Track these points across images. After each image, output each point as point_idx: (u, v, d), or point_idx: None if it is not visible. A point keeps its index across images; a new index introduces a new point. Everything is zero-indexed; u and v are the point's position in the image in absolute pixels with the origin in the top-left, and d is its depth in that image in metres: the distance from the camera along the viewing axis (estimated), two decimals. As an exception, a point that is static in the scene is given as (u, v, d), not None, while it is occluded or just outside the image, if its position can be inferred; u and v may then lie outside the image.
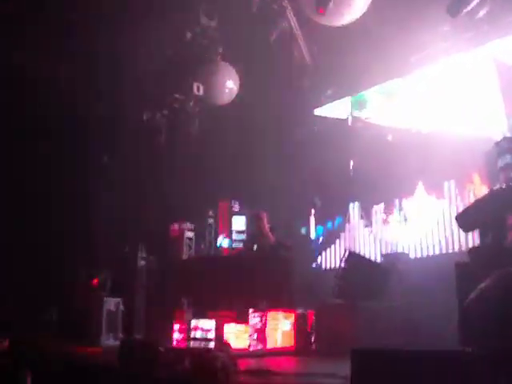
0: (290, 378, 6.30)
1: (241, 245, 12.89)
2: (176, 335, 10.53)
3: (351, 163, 14.09)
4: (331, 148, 13.87)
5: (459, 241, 12.14)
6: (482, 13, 10.60)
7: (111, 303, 12.60)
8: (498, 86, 11.50)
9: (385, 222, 13.54)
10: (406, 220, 13.08)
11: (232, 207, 14.44)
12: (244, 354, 8.92)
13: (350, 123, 14.52)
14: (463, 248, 11.68)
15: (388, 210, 13.49)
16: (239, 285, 10.36)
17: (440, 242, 12.57)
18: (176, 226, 13.79)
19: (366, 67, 12.88)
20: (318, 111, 15.13)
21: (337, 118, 14.86)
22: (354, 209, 14.40)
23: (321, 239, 14.87)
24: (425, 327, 9.79)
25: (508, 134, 10.27)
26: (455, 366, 4.58)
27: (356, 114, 14.52)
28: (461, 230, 10.73)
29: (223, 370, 4.26)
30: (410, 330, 9.99)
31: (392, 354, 4.99)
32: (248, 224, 13.51)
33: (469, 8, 10.42)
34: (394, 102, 13.70)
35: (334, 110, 14.95)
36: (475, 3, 10.38)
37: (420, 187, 12.94)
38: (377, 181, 12.91)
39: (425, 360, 4.74)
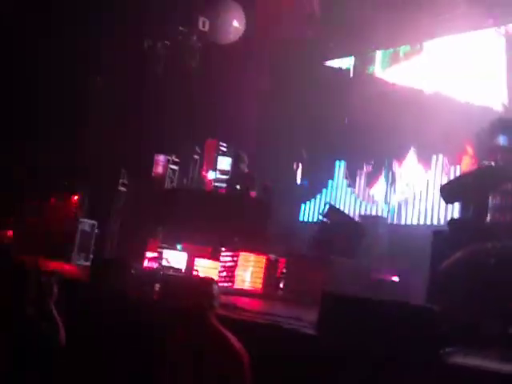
0: (256, 316, 6.37)
1: (223, 185, 12.87)
2: (147, 263, 10.59)
3: (345, 120, 14.06)
4: (328, 100, 13.78)
5: (438, 214, 12.29)
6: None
7: (86, 224, 12.64)
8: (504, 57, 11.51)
9: (371, 178, 13.59)
10: (393, 182, 13.15)
11: (219, 147, 14.39)
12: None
13: (351, 75, 14.48)
14: (441, 222, 11.83)
15: (377, 168, 13.53)
16: (216, 222, 10.39)
17: (420, 212, 12.70)
18: (161, 157, 13.77)
19: (376, 28, 12.76)
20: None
21: (339, 68, 14.78)
22: (340, 167, 14.46)
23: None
24: (391, 288, 10.00)
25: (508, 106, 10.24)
26: (418, 320, 4.70)
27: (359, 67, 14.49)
28: (442, 203, 10.85)
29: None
30: (377, 289, 10.19)
31: (360, 301, 5.10)
32: (232, 165, 13.45)
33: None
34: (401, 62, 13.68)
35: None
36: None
37: (411, 154, 13.00)
38: (369, 138, 12.89)
39: (390, 310, 4.86)
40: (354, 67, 14.68)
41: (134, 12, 13.15)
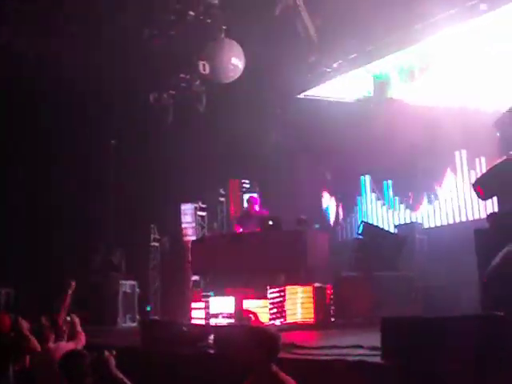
0: (316, 351, 6.27)
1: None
2: (195, 313, 10.55)
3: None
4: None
5: (473, 209, 12.17)
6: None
7: (127, 286, 12.66)
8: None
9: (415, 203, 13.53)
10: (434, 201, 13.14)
11: (242, 185, 14.41)
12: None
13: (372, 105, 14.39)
14: (480, 216, 11.69)
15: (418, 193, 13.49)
16: (256, 261, 10.32)
17: (453, 210, 12.58)
18: (188, 206, 13.80)
19: (373, 37, 12.76)
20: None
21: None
22: (366, 181, 14.39)
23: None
24: (440, 294, 9.85)
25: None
26: (483, 331, 4.58)
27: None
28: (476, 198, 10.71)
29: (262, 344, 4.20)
30: (426, 297, 10.06)
31: (421, 321, 4.98)
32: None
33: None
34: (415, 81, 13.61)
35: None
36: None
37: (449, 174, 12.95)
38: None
39: (451, 326, 4.74)
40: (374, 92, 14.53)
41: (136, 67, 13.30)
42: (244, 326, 7.52)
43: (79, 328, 6.29)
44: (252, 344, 4.18)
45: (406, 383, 4.67)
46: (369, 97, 14.54)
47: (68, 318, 6.30)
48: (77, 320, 6.33)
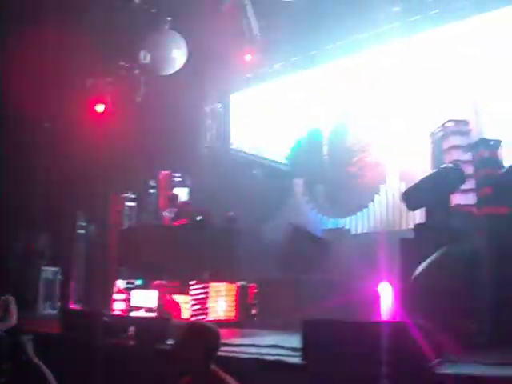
0: (237, 349, 6.29)
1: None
2: (117, 305, 10.44)
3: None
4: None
5: (401, 219, 12.40)
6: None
7: (49, 272, 12.43)
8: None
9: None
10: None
11: (173, 178, 14.32)
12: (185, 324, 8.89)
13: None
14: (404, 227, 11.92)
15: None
16: (182, 255, 10.28)
17: (382, 219, 12.79)
18: (117, 196, 13.63)
19: (315, 44, 12.93)
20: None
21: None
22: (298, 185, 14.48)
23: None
24: (360, 300, 10.00)
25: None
26: (403, 337, 4.70)
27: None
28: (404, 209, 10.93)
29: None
30: (348, 303, 10.19)
31: (340, 324, 5.07)
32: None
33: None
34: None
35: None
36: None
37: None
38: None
39: (370, 330, 4.86)
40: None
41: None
42: (166, 320, 7.46)
43: (12, 308, 6.17)
44: (192, 340, 4.09)
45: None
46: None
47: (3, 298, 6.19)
48: (11, 299, 6.22)
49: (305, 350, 5.02)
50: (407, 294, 7.09)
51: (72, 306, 11.59)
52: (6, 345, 4.71)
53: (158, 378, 4.65)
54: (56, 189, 13.08)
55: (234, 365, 5.44)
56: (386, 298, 9.27)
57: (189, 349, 4.03)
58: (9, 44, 12.00)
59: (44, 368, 4.48)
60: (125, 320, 8.05)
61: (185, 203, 12.03)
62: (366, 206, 13.01)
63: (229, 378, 4.01)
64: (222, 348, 6.26)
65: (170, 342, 6.50)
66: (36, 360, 4.51)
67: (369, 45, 12.89)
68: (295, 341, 5.71)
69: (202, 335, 4.11)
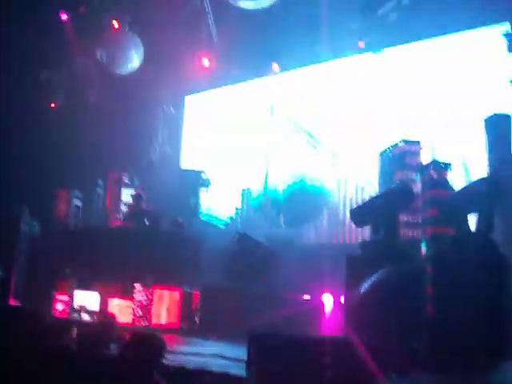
0: (183, 358, 6.28)
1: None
2: (58, 306, 10.29)
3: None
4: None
5: (345, 233, 12.56)
6: (392, 17, 10.94)
7: (-12, 268, 12.12)
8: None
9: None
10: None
11: (122, 179, 14.20)
12: (128, 329, 8.83)
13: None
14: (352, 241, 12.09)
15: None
16: (126, 258, 10.20)
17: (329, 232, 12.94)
18: (63, 193, 13.42)
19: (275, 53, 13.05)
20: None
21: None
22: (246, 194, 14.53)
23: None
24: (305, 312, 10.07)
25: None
26: (347, 351, 4.79)
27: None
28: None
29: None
30: (292, 315, 10.24)
31: (287, 339, 5.11)
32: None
33: (382, 10, 10.75)
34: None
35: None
36: (389, 6, 10.72)
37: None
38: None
39: (314, 345, 4.93)
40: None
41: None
42: (110, 324, 7.38)
43: None
44: (138, 351, 4.08)
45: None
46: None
47: None
48: None
49: (249, 363, 5.03)
50: (351, 310, 7.19)
51: (12, 303, 11.32)
52: None
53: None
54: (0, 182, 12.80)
55: (179, 374, 5.46)
56: (330, 311, 9.40)
57: (134, 359, 4.03)
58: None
59: None
60: (67, 321, 7.93)
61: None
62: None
63: None
64: (167, 356, 6.30)
65: (113, 346, 6.44)
66: None
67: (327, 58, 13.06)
68: (238, 351, 5.73)
69: (148, 346, 4.12)
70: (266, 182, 14.15)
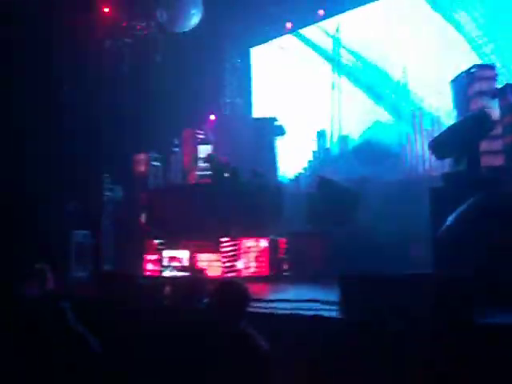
0: (272, 304, 6.32)
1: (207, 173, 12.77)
2: (149, 266, 10.55)
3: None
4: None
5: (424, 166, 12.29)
6: None
7: (79, 235, 12.50)
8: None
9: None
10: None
11: (196, 135, 14.25)
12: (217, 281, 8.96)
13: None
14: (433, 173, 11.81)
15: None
16: (210, 213, 10.28)
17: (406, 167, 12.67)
18: (142, 156, 13.63)
19: None
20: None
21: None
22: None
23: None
24: (389, 250, 9.96)
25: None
26: (440, 289, 4.68)
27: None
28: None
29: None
30: (376, 253, 10.16)
31: (379, 278, 5.04)
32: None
33: None
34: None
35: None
36: None
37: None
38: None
39: (408, 283, 4.83)
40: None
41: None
42: (202, 278, 7.52)
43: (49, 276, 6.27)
44: (225, 300, 4.10)
45: (363, 339, 4.74)
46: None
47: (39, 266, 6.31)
48: (47, 267, 6.32)
49: (342, 304, 5.02)
50: (440, 245, 7.02)
51: (106, 270, 11.66)
52: (45, 312, 4.76)
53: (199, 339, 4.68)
54: (81, 151, 13.09)
55: (270, 321, 5.51)
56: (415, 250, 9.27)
57: (222, 309, 4.06)
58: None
59: (88, 336, 4.53)
60: (160, 280, 8.12)
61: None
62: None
63: (258, 337, 4.03)
64: (257, 304, 6.36)
65: (205, 300, 6.54)
66: (80, 328, 4.55)
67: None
68: (330, 294, 5.72)
69: (234, 294, 4.13)
70: (339, 125, 14.01)
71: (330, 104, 14.41)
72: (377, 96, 13.76)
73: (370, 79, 13.93)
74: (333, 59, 14.74)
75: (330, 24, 14.61)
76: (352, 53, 14.27)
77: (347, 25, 14.27)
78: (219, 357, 3.95)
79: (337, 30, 14.39)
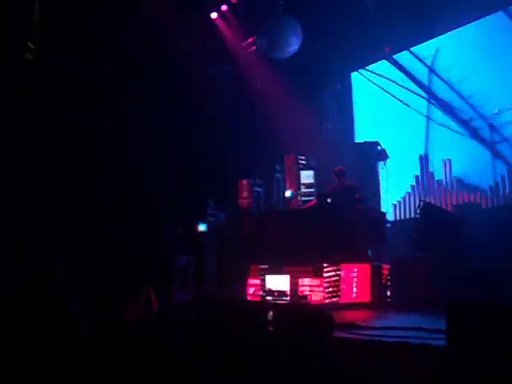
0: (377, 332, 6.23)
1: (310, 198, 12.81)
2: (251, 290, 10.62)
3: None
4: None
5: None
6: None
7: (183, 260, 12.73)
8: None
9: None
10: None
11: (298, 161, 14.33)
12: (321, 307, 8.93)
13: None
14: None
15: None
16: (313, 238, 10.27)
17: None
18: (244, 182, 13.80)
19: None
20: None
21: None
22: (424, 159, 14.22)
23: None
24: (497, 278, 9.63)
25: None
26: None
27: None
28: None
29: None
30: (483, 280, 9.85)
31: (493, 307, 4.84)
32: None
33: None
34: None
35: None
36: None
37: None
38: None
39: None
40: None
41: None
42: (303, 305, 7.51)
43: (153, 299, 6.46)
44: (309, 323, 4.12)
45: (471, 369, 4.59)
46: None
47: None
48: (152, 290, 6.52)
49: (450, 332, 4.87)
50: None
51: (207, 293, 11.83)
52: (149, 335, 4.86)
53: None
54: (188, 176, 13.42)
55: (376, 349, 5.43)
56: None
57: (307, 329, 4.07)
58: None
59: (191, 359, 4.60)
60: (262, 304, 8.15)
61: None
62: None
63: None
64: (362, 331, 6.29)
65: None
66: (185, 351, 4.64)
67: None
68: (436, 322, 5.59)
69: (321, 317, 4.14)
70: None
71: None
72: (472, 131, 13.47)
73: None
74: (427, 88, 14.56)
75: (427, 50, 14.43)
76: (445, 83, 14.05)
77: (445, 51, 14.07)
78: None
79: (433, 57, 14.22)
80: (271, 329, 6.93)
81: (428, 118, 14.33)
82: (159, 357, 4.78)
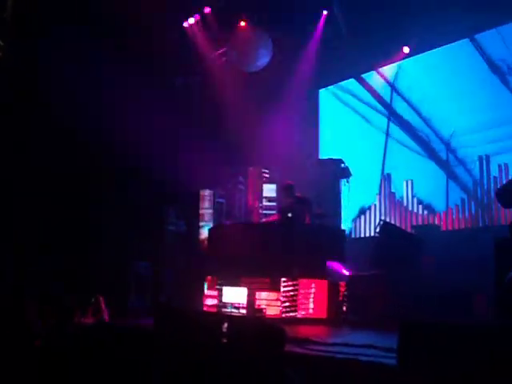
0: (329, 348, 6.25)
1: (272, 212, 12.85)
2: (208, 301, 10.58)
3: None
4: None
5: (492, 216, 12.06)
6: None
7: (140, 266, 12.64)
8: None
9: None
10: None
11: (262, 174, 14.37)
12: (276, 321, 8.92)
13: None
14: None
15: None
16: (272, 253, 10.28)
17: (473, 216, 12.47)
18: (207, 192, 13.78)
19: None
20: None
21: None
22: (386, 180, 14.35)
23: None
24: (452, 300, 9.76)
25: None
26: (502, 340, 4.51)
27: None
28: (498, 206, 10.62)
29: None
30: (438, 301, 9.96)
31: (445, 328, 4.87)
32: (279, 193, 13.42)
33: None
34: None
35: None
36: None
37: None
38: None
39: (470, 334, 4.66)
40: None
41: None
42: (256, 318, 7.49)
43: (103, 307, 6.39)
44: (261, 337, 4.11)
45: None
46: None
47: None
48: (101, 299, 6.45)
49: (400, 351, 4.89)
50: (503, 297, 6.83)
51: (163, 302, 11.77)
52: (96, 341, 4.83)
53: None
54: (144, 185, 13.31)
55: (328, 365, 5.43)
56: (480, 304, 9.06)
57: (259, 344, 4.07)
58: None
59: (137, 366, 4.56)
60: (218, 316, 8.11)
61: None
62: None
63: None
64: (316, 347, 6.29)
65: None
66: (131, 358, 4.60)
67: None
68: (388, 341, 5.61)
69: (272, 332, 4.13)
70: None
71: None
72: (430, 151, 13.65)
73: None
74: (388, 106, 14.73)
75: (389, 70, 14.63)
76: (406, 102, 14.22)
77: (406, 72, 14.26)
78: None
79: (394, 77, 14.41)
80: (225, 341, 6.92)
81: (387, 135, 14.44)
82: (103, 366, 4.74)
